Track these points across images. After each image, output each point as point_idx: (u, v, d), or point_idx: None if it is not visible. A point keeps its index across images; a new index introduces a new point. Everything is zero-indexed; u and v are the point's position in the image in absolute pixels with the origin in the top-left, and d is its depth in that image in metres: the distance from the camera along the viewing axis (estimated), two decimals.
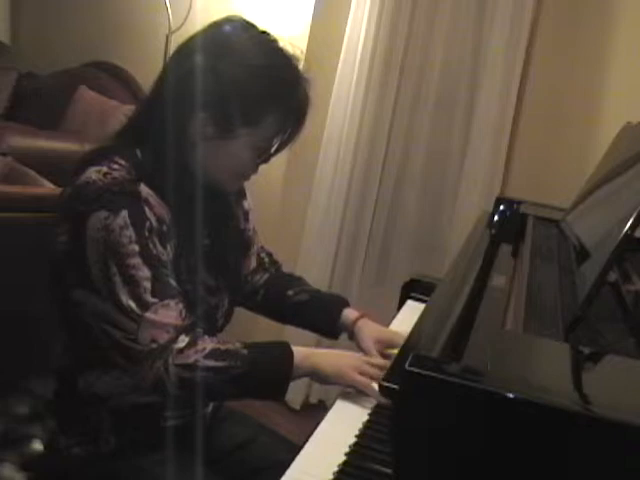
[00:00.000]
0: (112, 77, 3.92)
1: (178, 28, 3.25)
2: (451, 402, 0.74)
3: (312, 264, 2.90)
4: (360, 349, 1.42)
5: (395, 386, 0.86)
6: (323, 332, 1.52)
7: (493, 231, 1.77)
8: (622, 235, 0.94)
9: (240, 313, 1.50)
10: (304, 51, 2.99)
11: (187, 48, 1.25)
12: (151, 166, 1.21)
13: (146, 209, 1.17)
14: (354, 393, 1.25)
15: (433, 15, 2.84)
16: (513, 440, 0.72)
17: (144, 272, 1.14)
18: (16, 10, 4.43)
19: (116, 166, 1.18)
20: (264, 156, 1.28)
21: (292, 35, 3.05)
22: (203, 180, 1.25)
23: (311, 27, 2.96)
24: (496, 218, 1.85)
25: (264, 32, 1.25)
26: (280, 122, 1.23)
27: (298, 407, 2.94)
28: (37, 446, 1.38)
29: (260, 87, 1.20)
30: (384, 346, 1.41)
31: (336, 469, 1.03)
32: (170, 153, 1.21)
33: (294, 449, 1.11)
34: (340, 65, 2.85)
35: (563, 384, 0.79)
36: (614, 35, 2.58)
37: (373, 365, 1.27)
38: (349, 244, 2.95)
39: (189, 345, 1.15)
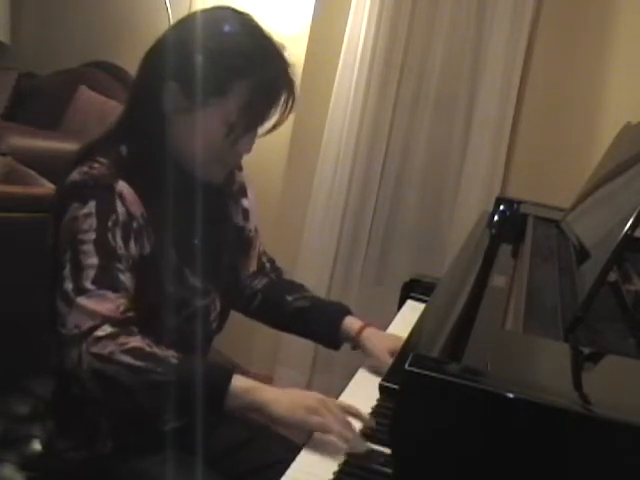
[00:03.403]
0: (112, 77, 3.92)
1: None
2: (451, 402, 0.74)
3: (312, 264, 2.89)
4: (371, 358, 1.39)
5: (395, 386, 0.86)
6: (323, 341, 1.47)
7: (493, 231, 1.77)
8: (622, 235, 0.93)
9: (237, 317, 1.48)
10: (304, 51, 2.98)
11: (163, 33, 1.29)
12: (135, 160, 1.23)
13: (117, 202, 1.17)
14: (355, 393, 1.25)
15: (433, 15, 2.84)
16: (513, 440, 0.72)
17: (92, 260, 1.12)
18: (16, 10, 4.43)
19: (96, 165, 1.20)
20: (235, 133, 1.24)
21: (292, 35, 3.05)
22: (187, 171, 1.25)
23: (311, 27, 2.96)
24: (496, 218, 1.85)
25: (245, 14, 1.28)
26: (248, 92, 1.21)
27: None
28: (37, 446, 1.38)
29: (229, 54, 1.21)
30: (394, 355, 1.37)
31: (336, 469, 1.03)
32: (152, 139, 1.23)
33: (294, 449, 1.11)
34: (340, 65, 2.85)
35: (563, 384, 0.79)
36: (614, 35, 2.58)
37: (332, 408, 1.11)
38: (349, 244, 2.94)
39: (110, 336, 1.08)
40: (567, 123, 2.70)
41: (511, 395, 0.71)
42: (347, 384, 1.33)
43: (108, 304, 1.11)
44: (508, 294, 1.19)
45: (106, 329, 1.09)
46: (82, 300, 1.10)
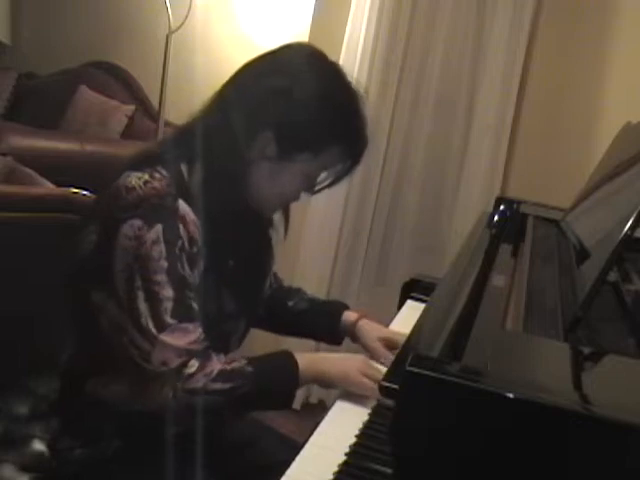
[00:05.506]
0: (112, 77, 3.93)
1: (178, 28, 3.25)
2: (451, 402, 0.74)
3: (312, 264, 2.89)
4: (364, 349, 1.43)
5: (395, 386, 0.86)
6: (326, 338, 1.53)
7: (493, 231, 1.77)
8: (622, 235, 0.94)
9: None
10: None
11: (259, 67, 1.24)
12: (196, 183, 1.19)
13: (180, 227, 1.15)
14: (354, 394, 1.25)
15: (433, 15, 2.84)
16: (513, 440, 0.72)
17: (168, 291, 1.13)
18: (16, 10, 4.43)
19: (158, 175, 1.16)
20: (310, 186, 1.28)
21: (292, 35, 3.05)
22: (245, 203, 1.25)
23: (311, 27, 2.96)
24: (496, 218, 1.85)
25: (337, 64, 1.26)
26: (340, 156, 1.25)
27: (298, 407, 2.93)
28: (38, 446, 1.38)
29: (333, 118, 1.21)
30: (386, 345, 1.41)
31: (336, 469, 1.03)
32: (223, 169, 1.20)
33: (294, 449, 1.11)
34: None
35: (563, 384, 0.79)
36: (614, 35, 2.58)
37: (374, 367, 1.26)
38: (349, 244, 2.94)
39: (199, 369, 1.14)
40: (567, 123, 2.70)
41: (511, 395, 0.71)
42: None
43: (189, 337, 1.14)
44: (508, 294, 1.19)
45: (194, 364, 1.13)
46: (165, 337, 1.12)
